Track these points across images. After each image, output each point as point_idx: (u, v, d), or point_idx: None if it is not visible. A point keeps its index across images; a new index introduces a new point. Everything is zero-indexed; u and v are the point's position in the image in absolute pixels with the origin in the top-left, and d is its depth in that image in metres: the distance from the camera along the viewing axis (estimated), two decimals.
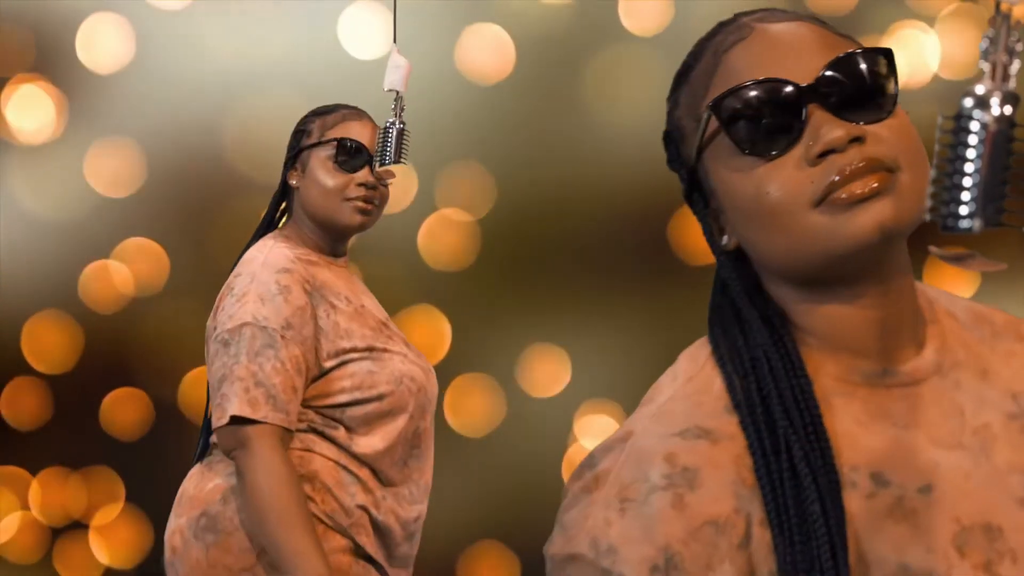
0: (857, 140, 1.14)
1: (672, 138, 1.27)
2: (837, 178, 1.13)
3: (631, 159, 4.59)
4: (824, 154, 1.14)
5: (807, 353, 1.22)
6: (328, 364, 2.50)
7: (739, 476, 1.15)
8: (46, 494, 4.50)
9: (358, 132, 2.61)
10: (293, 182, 2.62)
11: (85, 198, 4.50)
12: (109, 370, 4.50)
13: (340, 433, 2.50)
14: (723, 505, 1.14)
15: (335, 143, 2.60)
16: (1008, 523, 1.20)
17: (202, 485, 2.52)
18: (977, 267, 0.91)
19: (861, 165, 1.13)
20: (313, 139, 2.62)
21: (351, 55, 4.55)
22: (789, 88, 1.16)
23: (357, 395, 2.53)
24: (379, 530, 2.54)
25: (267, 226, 2.67)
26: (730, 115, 1.18)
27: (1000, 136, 0.87)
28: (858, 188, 1.13)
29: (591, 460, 1.20)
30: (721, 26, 1.24)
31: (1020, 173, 0.87)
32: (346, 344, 2.51)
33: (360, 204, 2.56)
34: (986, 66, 0.89)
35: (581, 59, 4.51)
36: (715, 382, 1.21)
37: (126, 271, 4.51)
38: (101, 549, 4.49)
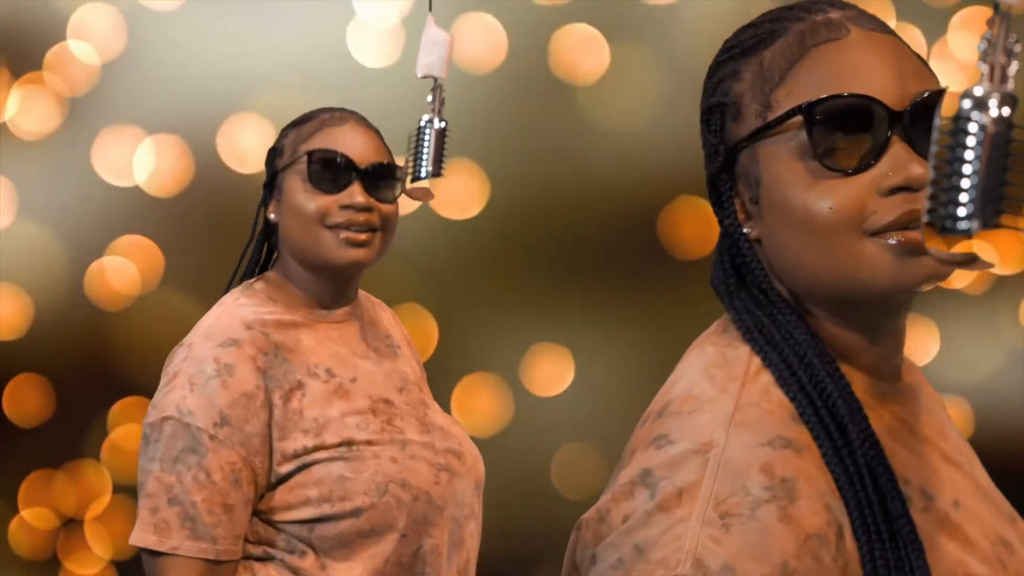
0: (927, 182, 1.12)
1: (721, 110, 1.21)
2: (901, 217, 1.11)
3: (625, 155, 4.59)
4: (898, 189, 1.12)
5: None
6: (285, 469, 1.92)
7: (828, 487, 1.11)
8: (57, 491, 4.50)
9: (339, 139, 2.01)
10: (272, 216, 2.06)
11: (86, 193, 4.50)
12: (111, 371, 4.51)
13: (307, 562, 1.91)
14: (820, 517, 1.10)
15: (306, 157, 2.01)
16: (1013, 537, 1.19)
17: None
18: (976, 268, 0.91)
19: (921, 211, 1.10)
20: (286, 158, 2.04)
21: (354, 56, 4.55)
22: (882, 112, 1.12)
23: (326, 509, 1.92)
24: None
25: (245, 275, 2.11)
26: (821, 122, 1.13)
27: (998, 138, 0.87)
28: (919, 236, 1.10)
29: (649, 476, 1.11)
30: (802, 10, 1.19)
31: (1018, 174, 0.87)
32: (310, 441, 1.91)
33: (348, 234, 1.97)
34: (984, 68, 0.89)
35: (573, 56, 4.50)
36: (771, 390, 1.16)
37: (122, 268, 4.51)
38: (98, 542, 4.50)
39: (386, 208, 2.00)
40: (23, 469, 4.51)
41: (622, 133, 4.58)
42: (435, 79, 2.08)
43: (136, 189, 4.49)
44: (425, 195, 2.06)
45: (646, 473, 1.12)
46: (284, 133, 2.08)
